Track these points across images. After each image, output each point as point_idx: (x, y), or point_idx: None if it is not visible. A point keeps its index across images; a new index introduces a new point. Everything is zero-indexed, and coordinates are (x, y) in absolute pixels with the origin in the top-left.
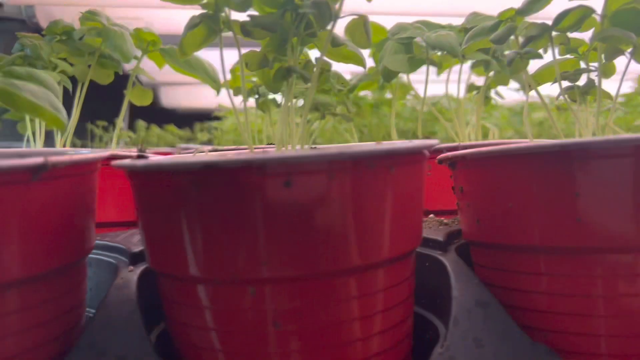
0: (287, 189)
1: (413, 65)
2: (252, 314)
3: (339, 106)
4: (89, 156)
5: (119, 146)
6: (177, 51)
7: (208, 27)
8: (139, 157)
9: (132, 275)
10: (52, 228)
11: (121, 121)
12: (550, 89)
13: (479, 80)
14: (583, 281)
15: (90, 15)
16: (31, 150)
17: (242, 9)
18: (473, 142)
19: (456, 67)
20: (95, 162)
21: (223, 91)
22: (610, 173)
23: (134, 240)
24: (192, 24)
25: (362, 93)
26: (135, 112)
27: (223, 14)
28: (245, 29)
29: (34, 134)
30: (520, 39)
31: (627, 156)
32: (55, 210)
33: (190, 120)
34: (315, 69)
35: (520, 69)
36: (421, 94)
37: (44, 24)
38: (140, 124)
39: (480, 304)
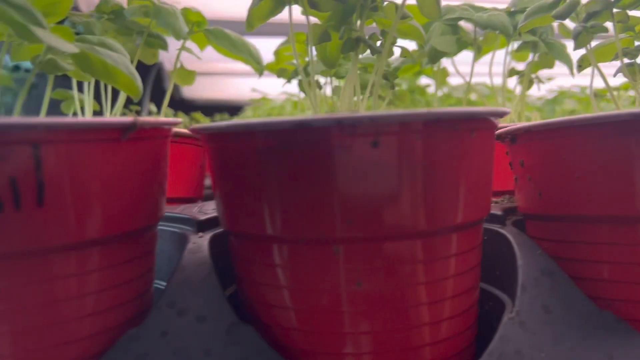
0: (374, 148)
1: (460, 45)
2: (334, 273)
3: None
4: (167, 120)
5: None
6: (247, 21)
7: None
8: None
9: (202, 240)
10: (134, 190)
11: (166, 105)
12: (582, 79)
13: (518, 65)
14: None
15: None
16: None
17: None
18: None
19: (489, 54)
20: (170, 128)
21: (254, 82)
22: None
23: (195, 211)
24: None
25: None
26: (156, 102)
27: None
28: (313, 2)
29: (82, 110)
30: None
31: None
32: (138, 173)
33: (209, 111)
34: (387, 38)
35: (585, 43)
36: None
37: (84, 8)
38: (168, 111)
39: (545, 272)
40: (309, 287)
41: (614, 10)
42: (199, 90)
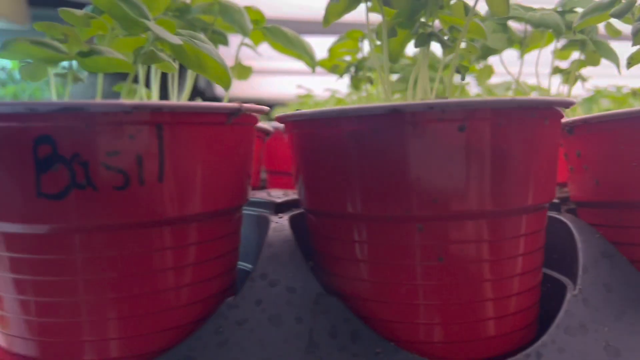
0: (461, 132)
1: (510, 43)
2: (417, 249)
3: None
4: (258, 107)
5: None
6: (324, 17)
7: None
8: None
9: (283, 220)
10: (232, 171)
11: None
12: (616, 80)
13: (561, 64)
14: None
15: None
16: None
17: None
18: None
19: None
20: (258, 115)
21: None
22: None
23: (266, 196)
24: None
25: None
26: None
27: None
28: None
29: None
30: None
31: None
32: (235, 155)
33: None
34: (461, 33)
35: None
36: (511, 74)
37: None
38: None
39: (605, 254)
40: (389, 262)
41: None
42: (240, 88)
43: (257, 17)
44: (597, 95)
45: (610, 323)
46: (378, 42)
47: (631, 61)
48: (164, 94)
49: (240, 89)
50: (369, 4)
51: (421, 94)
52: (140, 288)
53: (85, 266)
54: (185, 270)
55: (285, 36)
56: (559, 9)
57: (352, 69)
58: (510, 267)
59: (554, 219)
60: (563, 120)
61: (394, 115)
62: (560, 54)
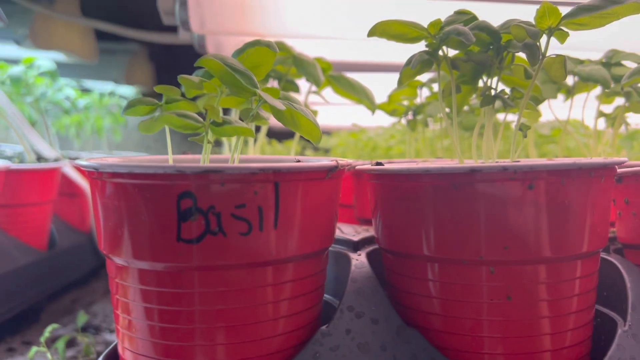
0: (529, 190)
1: (559, 92)
2: (487, 289)
3: None
4: (350, 162)
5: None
6: (399, 78)
7: (425, 62)
8: (377, 164)
9: (362, 257)
10: (327, 217)
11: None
12: None
13: (605, 109)
14: None
15: (281, 46)
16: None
17: (461, 48)
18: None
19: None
20: (345, 169)
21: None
22: None
23: (345, 232)
24: (419, 59)
25: None
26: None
27: (442, 52)
28: (454, 63)
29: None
30: None
31: None
32: (329, 204)
33: (286, 135)
34: (525, 95)
35: None
36: (559, 120)
37: (210, 49)
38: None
39: None
40: (460, 299)
41: None
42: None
43: (325, 66)
44: (636, 133)
45: None
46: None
47: None
48: None
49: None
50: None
51: (487, 153)
52: (256, 316)
53: (213, 297)
54: (282, 304)
55: (349, 83)
56: (604, 60)
57: (410, 113)
58: (567, 306)
59: (604, 259)
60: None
61: (472, 174)
62: (605, 99)
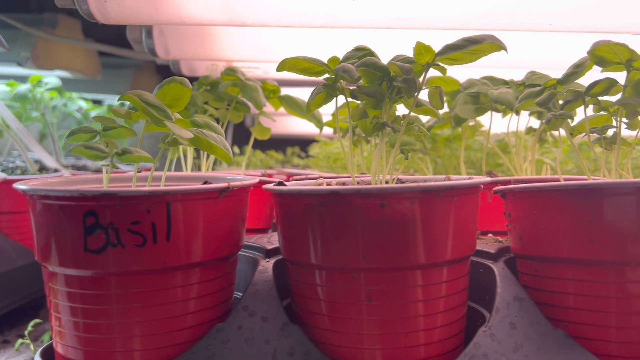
0: (381, 208)
1: (479, 112)
2: (354, 292)
3: (418, 143)
4: (249, 182)
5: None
6: (306, 108)
7: (327, 93)
8: (279, 184)
9: (268, 264)
10: (225, 230)
11: (250, 150)
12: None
13: (536, 123)
14: (597, 285)
15: (230, 72)
16: (209, 174)
17: (355, 81)
18: (523, 177)
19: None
20: (251, 186)
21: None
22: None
23: (264, 241)
24: (318, 92)
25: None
26: (239, 136)
27: (339, 84)
28: (353, 94)
29: (184, 157)
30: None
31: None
32: (228, 218)
33: (285, 144)
34: (402, 123)
35: (557, 127)
36: (490, 133)
37: (185, 71)
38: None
39: (517, 299)
40: (336, 300)
41: (586, 97)
42: (273, 126)
43: (273, 88)
44: (583, 145)
45: (509, 354)
46: None
47: (572, 132)
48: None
49: (285, 127)
50: (342, 97)
51: (376, 170)
52: (157, 314)
53: (117, 298)
54: (189, 302)
55: (296, 104)
56: (526, 83)
57: (350, 132)
58: (433, 307)
59: (487, 267)
60: (498, 187)
61: (333, 195)
62: (535, 115)
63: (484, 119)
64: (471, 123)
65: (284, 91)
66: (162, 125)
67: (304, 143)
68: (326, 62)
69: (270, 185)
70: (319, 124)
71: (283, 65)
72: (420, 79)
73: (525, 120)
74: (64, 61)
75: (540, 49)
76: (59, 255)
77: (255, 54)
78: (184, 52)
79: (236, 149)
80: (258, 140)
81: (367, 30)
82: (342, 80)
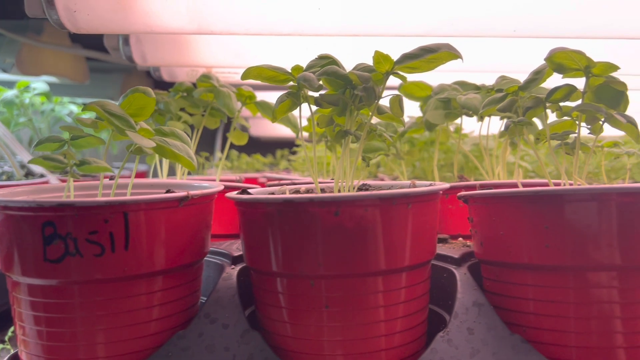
0: (336, 216)
1: (450, 118)
2: (311, 298)
3: (392, 148)
4: (211, 190)
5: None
6: (272, 116)
7: (292, 101)
8: (243, 191)
9: (233, 271)
10: (187, 238)
11: (225, 154)
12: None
13: None
14: (555, 291)
15: (205, 79)
16: (176, 182)
17: (316, 90)
18: (489, 182)
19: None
20: (214, 194)
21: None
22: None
23: (233, 248)
24: (282, 100)
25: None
26: (226, 140)
27: (302, 92)
28: (317, 102)
29: (160, 163)
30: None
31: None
32: (190, 227)
33: (273, 146)
34: (363, 131)
35: (515, 134)
36: (461, 136)
37: (165, 77)
38: (233, 153)
39: (476, 304)
40: (297, 307)
41: (547, 104)
42: (264, 129)
43: (249, 94)
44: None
45: (465, 358)
46: None
47: (539, 137)
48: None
49: (273, 130)
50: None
51: (338, 174)
52: (120, 322)
53: (79, 307)
54: (152, 310)
55: (271, 109)
56: (496, 88)
57: (314, 139)
58: (393, 312)
59: (450, 271)
60: (462, 193)
61: (289, 204)
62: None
63: (468, 123)
64: (452, 127)
65: (265, 95)
66: (125, 135)
67: (293, 146)
68: (289, 71)
69: (233, 194)
70: (295, 128)
71: (248, 74)
72: (380, 88)
73: (500, 124)
74: (50, 67)
75: (515, 54)
76: (21, 264)
77: (233, 60)
78: (161, 59)
79: (219, 153)
80: (251, 142)
81: (339, 37)
82: (304, 89)
